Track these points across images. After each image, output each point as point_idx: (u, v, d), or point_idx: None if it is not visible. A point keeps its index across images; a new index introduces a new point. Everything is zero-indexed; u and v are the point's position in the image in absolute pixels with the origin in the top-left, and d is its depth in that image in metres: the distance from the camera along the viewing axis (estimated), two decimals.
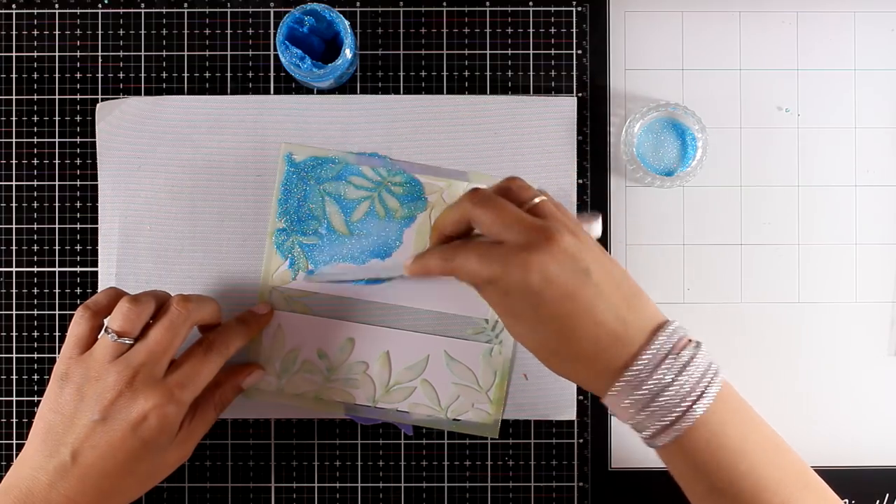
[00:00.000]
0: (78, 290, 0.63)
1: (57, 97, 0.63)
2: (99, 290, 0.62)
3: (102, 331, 0.55)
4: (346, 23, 0.58)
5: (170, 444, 0.55)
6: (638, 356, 0.49)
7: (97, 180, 0.63)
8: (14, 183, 0.63)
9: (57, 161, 0.63)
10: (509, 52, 0.63)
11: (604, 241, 0.62)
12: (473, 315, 0.62)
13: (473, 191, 0.52)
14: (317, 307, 0.62)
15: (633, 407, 0.49)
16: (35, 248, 0.63)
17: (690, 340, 0.50)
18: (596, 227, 0.54)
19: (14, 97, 0.63)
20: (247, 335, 0.59)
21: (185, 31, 0.63)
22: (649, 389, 0.48)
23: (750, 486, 0.48)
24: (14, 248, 0.63)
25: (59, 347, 0.62)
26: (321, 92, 0.63)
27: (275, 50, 0.63)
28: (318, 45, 0.61)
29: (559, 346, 0.50)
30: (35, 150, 0.63)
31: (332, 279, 0.62)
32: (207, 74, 0.63)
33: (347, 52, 0.58)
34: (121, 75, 0.63)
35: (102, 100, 0.63)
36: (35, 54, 0.63)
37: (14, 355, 0.63)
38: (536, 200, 0.51)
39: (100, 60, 0.63)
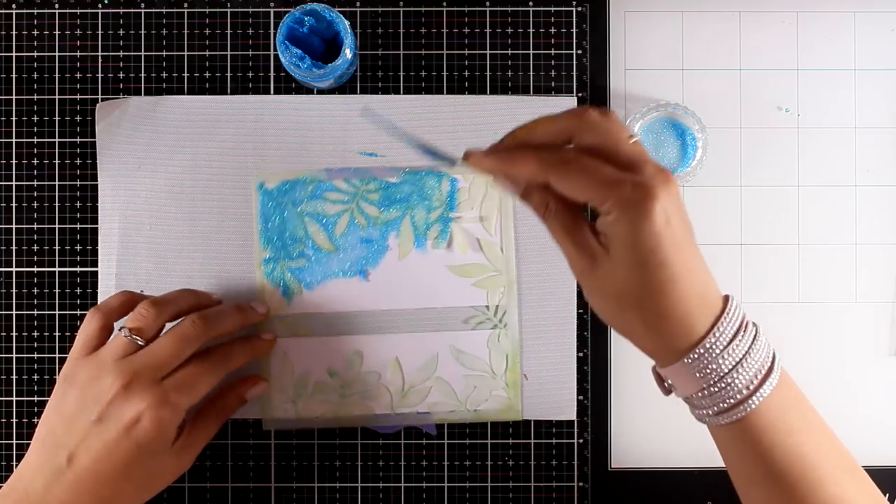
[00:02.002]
0: (78, 290, 0.63)
1: (57, 97, 0.63)
2: (99, 290, 0.62)
3: (116, 329, 0.55)
4: (346, 23, 0.58)
5: (166, 451, 0.54)
6: (717, 325, 0.46)
7: (97, 180, 0.63)
8: (14, 183, 0.63)
9: (57, 161, 0.63)
10: (509, 52, 0.63)
11: None
12: (473, 304, 0.62)
13: (581, 109, 0.47)
14: (319, 327, 0.62)
15: (705, 380, 0.46)
16: (35, 248, 0.63)
17: (750, 321, 0.48)
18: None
19: (14, 97, 0.63)
20: (250, 355, 0.60)
21: (185, 31, 0.63)
22: (723, 363, 0.46)
23: (809, 473, 0.47)
24: (14, 248, 0.63)
25: (59, 347, 0.62)
26: (321, 92, 0.63)
27: (275, 50, 0.63)
28: (318, 45, 0.61)
29: (652, 296, 0.46)
30: (35, 150, 0.63)
31: (387, 127, 0.60)
32: (207, 74, 0.63)
33: (347, 52, 0.58)
34: (121, 75, 0.63)
35: (102, 100, 0.63)
36: (35, 54, 0.63)
37: (14, 355, 0.63)
38: (635, 139, 0.46)
39: (100, 60, 0.63)
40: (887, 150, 0.63)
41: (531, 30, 0.63)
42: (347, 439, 0.63)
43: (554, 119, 0.47)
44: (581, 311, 0.63)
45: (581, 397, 0.63)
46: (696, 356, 0.46)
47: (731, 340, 0.46)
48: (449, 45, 0.63)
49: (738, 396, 0.46)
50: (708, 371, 0.46)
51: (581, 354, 0.63)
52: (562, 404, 0.63)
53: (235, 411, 0.60)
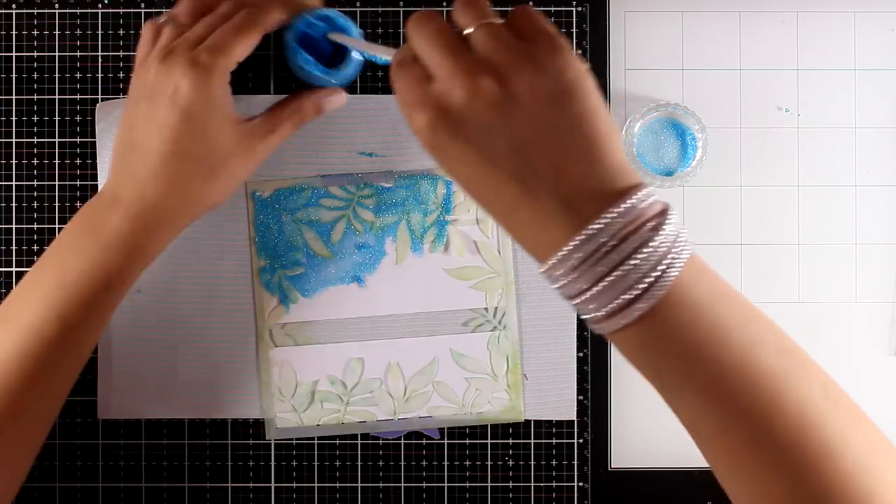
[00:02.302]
0: None
1: (57, 97, 0.63)
2: None
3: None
4: (360, 31, 0.58)
5: (219, 123, 0.53)
6: (622, 198, 0.41)
7: (97, 180, 0.63)
8: (14, 183, 0.63)
9: (57, 161, 0.63)
10: None
11: None
12: (472, 307, 0.62)
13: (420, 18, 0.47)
14: (319, 335, 0.62)
15: (588, 271, 0.41)
16: (35, 248, 0.63)
17: (664, 209, 0.42)
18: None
19: (14, 97, 0.63)
20: (287, 7, 0.56)
21: None
22: (610, 250, 0.40)
23: (745, 366, 0.41)
24: (14, 248, 0.63)
25: None
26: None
27: (275, 50, 0.63)
28: (327, 48, 0.60)
29: (537, 156, 0.41)
30: (35, 150, 0.63)
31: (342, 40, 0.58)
32: None
33: (356, 58, 0.58)
34: (121, 75, 0.63)
35: (102, 100, 0.63)
36: (35, 54, 0.63)
37: None
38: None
39: (100, 60, 0.63)
40: (887, 150, 0.63)
41: None
42: (347, 439, 0.63)
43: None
44: None
45: (581, 397, 0.63)
46: (591, 231, 0.41)
47: (632, 223, 0.40)
48: None
49: (643, 285, 0.40)
50: (590, 258, 0.40)
51: (581, 354, 0.63)
52: (562, 404, 0.63)
53: (311, 118, 0.58)
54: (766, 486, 0.41)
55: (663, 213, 0.42)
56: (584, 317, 0.43)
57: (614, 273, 0.40)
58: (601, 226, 0.41)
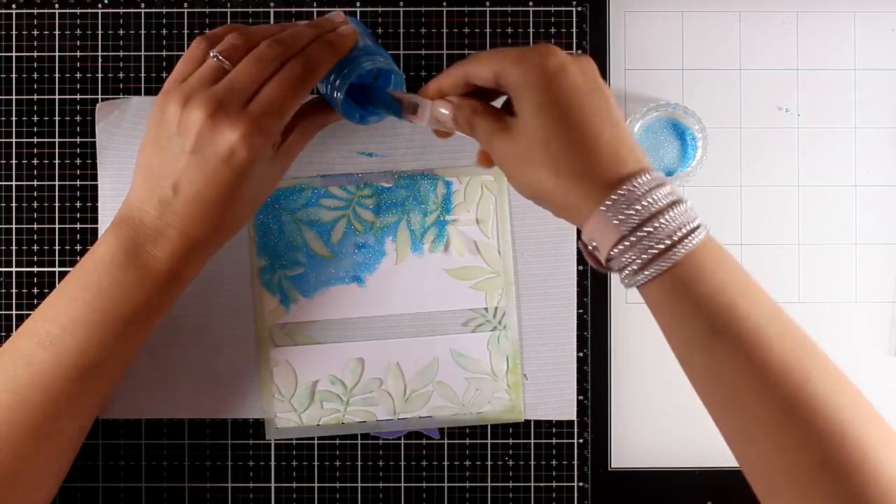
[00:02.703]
0: None
1: (57, 97, 0.63)
2: None
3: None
4: (402, 77, 0.56)
5: (266, 166, 0.54)
6: (637, 174, 0.47)
7: (97, 180, 0.63)
8: (14, 183, 0.63)
9: (57, 161, 0.63)
10: None
11: None
12: (472, 306, 0.62)
13: (465, 60, 0.52)
14: (319, 335, 0.62)
15: (625, 225, 0.46)
16: (35, 248, 0.63)
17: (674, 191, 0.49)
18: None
19: (14, 97, 0.63)
20: (333, 55, 0.55)
21: (185, 31, 0.63)
22: (639, 211, 0.46)
23: (752, 330, 0.46)
24: (14, 248, 0.63)
25: None
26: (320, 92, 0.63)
27: None
28: (366, 79, 0.57)
29: (560, 136, 0.48)
30: (35, 150, 0.63)
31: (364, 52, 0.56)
32: None
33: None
34: (121, 75, 0.63)
35: (102, 100, 0.63)
36: (35, 54, 0.63)
37: None
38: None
39: (100, 60, 0.63)
40: (887, 150, 0.63)
41: (531, 30, 0.63)
42: (347, 439, 0.63)
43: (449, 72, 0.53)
44: (581, 311, 0.63)
45: (581, 397, 0.63)
46: (613, 199, 0.47)
47: (653, 190, 0.47)
48: (449, 45, 0.63)
49: (664, 245, 0.46)
50: (628, 214, 0.46)
51: (581, 354, 0.63)
52: (562, 404, 0.63)
53: (336, 119, 0.58)
54: (771, 429, 0.45)
55: (677, 200, 0.48)
56: (618, 271, 0.48)
57: (644, 228, 0.46)
58: (632, 187, 0.47)
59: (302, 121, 0.56)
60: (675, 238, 0.46)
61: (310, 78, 0.53)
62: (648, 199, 0.46)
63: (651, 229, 0.46)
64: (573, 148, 0.48)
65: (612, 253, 0.47)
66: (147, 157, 0.53)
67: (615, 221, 0.46)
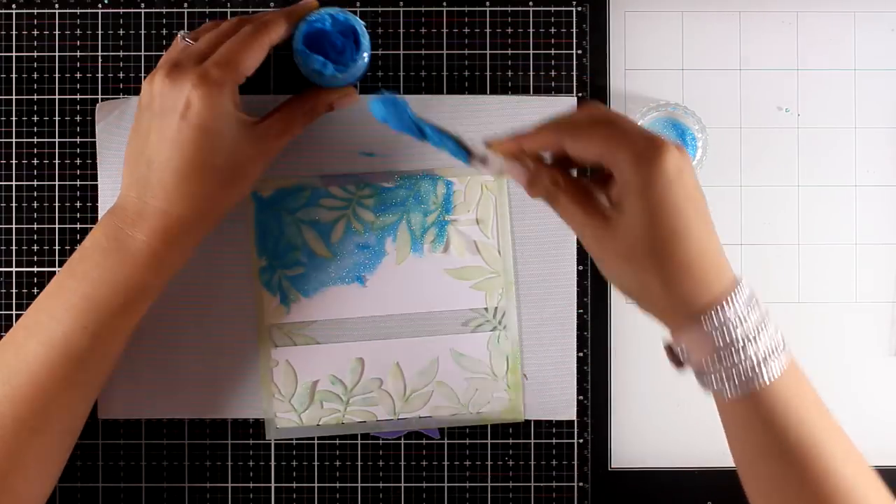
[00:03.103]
0: None
1: (57, 97, 0.63)
2: None
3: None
4: (362, 23, 0.58)
5: (235, 131, 0.54)
6: (736, 289, 0.47)
7: (97, 180, 0.63)
8: (14, 183, 0.63)
9: (57, 161, 0.63)
10: (509, 52, 0.63)
11: None
12: (472, 306, 0.62)
13: (568, 120, 0.49)
14: (319, 335, 0.62)
15: (722, 341, 0.47)
16: (35, 248, 0.63)
17: (759, 299, 0.49)
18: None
19: (14, 97, 0.63)
20: (291, 17, 0.57)
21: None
22: (741, 328, 0.47)
23: (821, 452, 0.47)
24: (14, 248, 0.63)
25: None
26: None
27: (274, 50, 0.63)
28: (337, 43, 0.60)
29: (667, 244, 0.47)
30: (35, 150, 0.63)
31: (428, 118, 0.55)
32: None
33: (365, 56, 0.58)
34: (121, 75, 0.63)
35: (102, 100, 0.63)
36: (35, 54, 0.63)
37: None
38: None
39: (100, 60, 0.63)
40: (887, 150, 0.63)
41: (531, 30, 0.63)
42: (347, 439, 0.63)
43: (553, 123, 0.50)
44: (581, 311, 0.63)
45: (581, 397, 0.63)
46: (713, 314, 0.47)
47: (748, 308, 0.47)
48: (449, 45, 0.63)
49: (754, 367, 0.46)
50: (725, 332, 0.46)
51: (581, 354, 0.63)
52: (562, 404, 0.63)
53: (321, 115, 0.59)
54: None
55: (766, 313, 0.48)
56: (698, 377, 0.49)
57: (736, 346, 0.47)
58: (722, 308, 0.47)
59: (286, 105, 0.57)
60: (763, 361, 0.47)
61: (261, 33, 0.55)
62: (745, 319, 0.47)
63: (741, 350, 0.47)
64: (684, 259, 0.47)
65: (702, 363, 0.48)
66: (130, 147, 0.55)
67: (715, 335, 0.47)
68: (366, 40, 0.58)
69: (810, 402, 0.48)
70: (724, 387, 0.47)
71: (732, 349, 0.46)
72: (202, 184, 0.53)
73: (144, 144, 0.53)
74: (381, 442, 0.63)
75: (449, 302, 0.62)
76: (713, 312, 0.47)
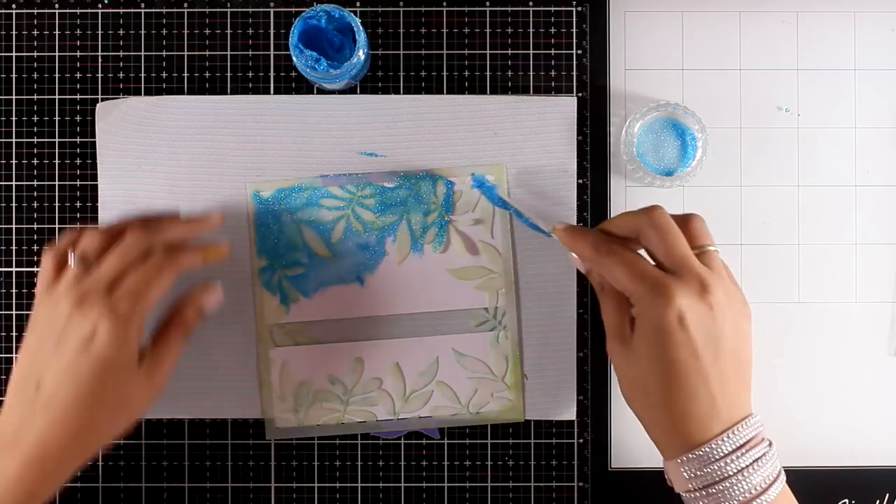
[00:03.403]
0: None
1: (57, 97, 0.63)
2: None
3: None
4: (357, 20, 0.58)
5: (133, 369, 0.53)
6: (718, 437, 0.49)
7: (97, 180, 0.63)
8: (14, 183, 0.63)
9: (57, 161, 0.63)
10: (509, 52, 0.63)
11: None
12: (472, 307, 0.62)
13: (653, 208, 0.52)
14: (318, 335, 0.62)
15: (693, 482, 0.50)
16: (35, 248, 0.63)
17: (764, 439, 0.51)
18: None
19: (14, 97, 0.63)
20: (198, 258, 0.57)
21: (185, 31, 0.63)
22: (714, 471, 0.49)
23: None
24: (14, 248, 0.63)
25: None
26: (321, 91, 0.63)
27: (275, 50, 0.63)
28: (334, 39, 0.60)
29: (657, 390, 0.50)
30: (35, 150, 0.63)
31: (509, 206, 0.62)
32: (207, 74, 0.63)
33: (361, 54, 0.58)
34: (121, 75, 0.63)
35: (102, 100, 0.63)
36: (35, 54, 0.63)
37: (14, 355, 0.63)
38: (709, 249, 0.52)
39: (100, 60, 0.63)
40: (887, 150, 0.63)
41: (531, 30, 0.63)
42: (347, 439, 0.63)
43: (628, 215, 0.54)
44: (581, 311, 0.63)
45: (581, 397, 0.63)
46: (687, 459, 0.50)
47: (729, 455, 0.49)
48: (449, 45, 0.63)
49: (737, 502, 0.49)
50: (700, 474, 0.49)
51: (581, 354, 0.63)
52: (562, 404, 0.63)
53: (198, 324, 0.58)
54: None
55: (769, 445, 0.51)
56: None
57: (718, 486, 0.49)
58: (710, 449, 0.49)
59: (163, 332, 0.57)
60: (748, 497, 0.49)
61: (173, 269, 0.55)
62: (727, 461, 0.49)
63: (723, 488, 0.49)
64: (667, 407, 0.50)
65: (683, 496, 0.51)
66: (19, 366, 0.53)
67: (685, 476, 0.50)
68: (361, 38, 0.58)
69: None
70: None
71: (711, 489, 0.49)
72: (90, 417, 0.52)
73: (35, 366, 0.52)
74: (381, 442, 0.63)
75: (449, 302, 0.62)
76: (691, 455, 0.49)
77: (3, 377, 0.63)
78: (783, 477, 0.50)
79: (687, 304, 0.49)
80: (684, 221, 0.53)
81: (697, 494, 0.50)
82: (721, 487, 0.49)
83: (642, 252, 0.54)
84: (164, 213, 0.59)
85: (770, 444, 0.51)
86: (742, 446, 0.49)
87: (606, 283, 0.54)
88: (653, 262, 0.52)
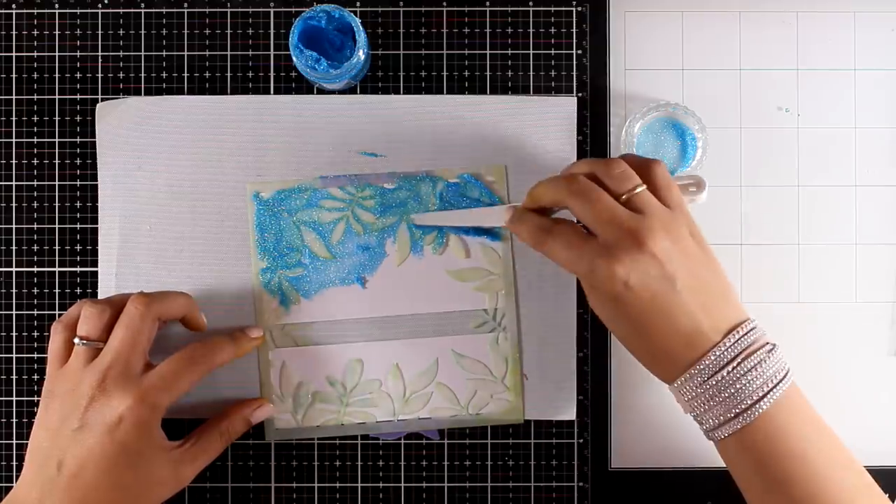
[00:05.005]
0: (78, 291, 0.63)
1: (57, 97, 0.63)
2: (99, 289, 0.62)
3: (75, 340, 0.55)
4: (357, 20, 0.58)
5: (157, 456, 0.54)
6: (704, 356, 0.50)
7: (97, 180, 0.63)
8: (14, 183, 0.63)
9: (57, 161, 0.63)
10: (509, 52, 0.63)
11: None
12: (472, 308, 0.62)
13: (571, 176, 0.52)
14: (318, 336, 0.62)
15: (696, 400, 0.51)
16: (35, 248, 0.63)
17: (767, 343, 0.51)
18: (702, 196, 0.56)
19: (14, 97, 0.63)
20: (234, 353, 0.59)
21: (185, 31, 0.63)
22: (713, 385, 0.50)
23: (808, 487, 0.49)
24: (14, 248, 0.63)
25: None
26: (321, 91, 0.63)
27: (275, 50, 0.63)
28: (334, 39, 0.60)
29: (634, 342, 0.52)
30: (35, 150, 0.63)
31: (435, 223, 0.62)
32: (207, 74, 0.63)
33: (361, 54, 0.58)
34: (121, 75, 0.63)
35: (102, 100, 0.63)
36: (35, 54, 0.63)
37: (14, 355, 0.63)
38: (637, 191, 0.52)
39: (100, 60, 0.63)
40: (887, 150, 0.63)
41: (531, 30, 0.63)
42: (347, 439, 0.63)
43: (549, 185, 0.53)
44: (581, 310, 0.63)
45: (581, 397, 0.63)
46: (681, 381, 0.51)
47: (723, 367, 0.50)
48: (449, 45, 0.63)
49: (730, 414, 0.50)
50: (696, 393, 0.50)
51: (581, 354, 0.63)
52: (562, 404, 0.63)
53: (241, 434, 0.60)
54: None
55: (771, 349, 0.51)
56: (700, 426, 0.52)
57: (722, 394, 0.50)
58: (715, 357, 0.50)
59: (203, 429, 0.58)
60: (753, 399, 0.50)
61: (208, 365, 0.56)
62: (720, 375, 0.50)
63: (726, 396, 0.50)
64: (648, 351, 0.52)
65: (691, 415, 0.52)
66: (37, 441, 0.54)
67: (686, 398, 0.51)
68: (361, 38, 0.58)
69: (799, 433, 0.50)
70: (713, 430, 0.51)
71: (716, 397, 0.50)
72: (111, 500, 0.53)
73: (57, 445, 0.53)
74: (380, 442, 0.63)
75: (449, 303, 0.62)
76: (683, 379, 0.51)
77: (3, 377, 0.63)
78: (790, 376, 0.51)
79: (627, 267, 0.50)
80: (604, 173, 0.52)
81: (703, 409, 0.51)
82: (723, 397, 0.50)
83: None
84: (168, 292, 0.59)
85: (772, 349, 0.51)
86: (736, 357, 0.50)
87: (552, 226, 0.54)
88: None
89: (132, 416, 0.53)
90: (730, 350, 0.50)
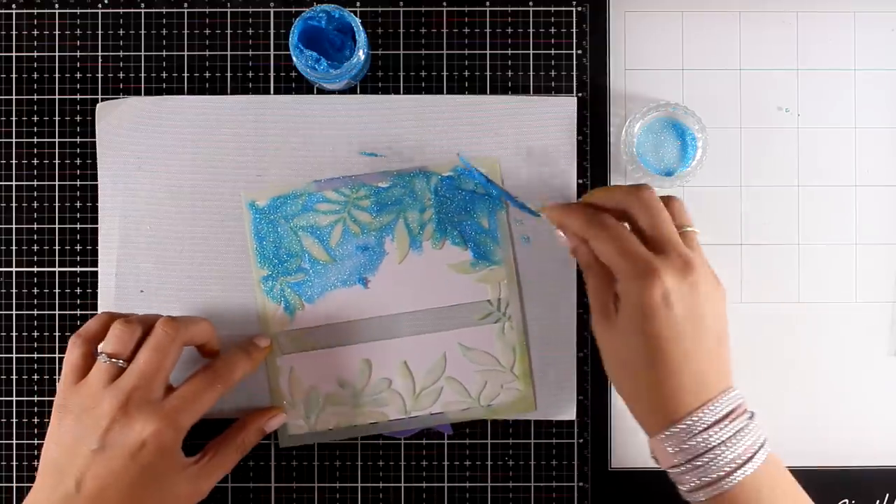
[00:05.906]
0: (78, 290, 0.63)
1: (57, 97, 0.63)
2: (99, 290, 0.62)
3: (98, 356, 0.55)
4: (357, 20, 0.58)
5: (176, 473, 0.54)
6: (699, 410, 0.50)
7: (97, 180, 0.63)
8: (14, 183, 0.63)
9: (57, 161, 0.63)
10: (509, 52, 0.63)
11: None
12: (475, 300, 0.62)
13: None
14: (324, 340, 0.62)
15: (678, 456, 0.50)
16: (35, 248, 0.63)
17: (746, 410, 0.51)
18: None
19: (14, 97, 0.63)
20: (250, 365, 0.59)
21: (185, 31, 0.63)
22: (698, 444, 0.49)
23: None
24: (14, 248, 0.63)
25: (59, 347, 0.62)
26: (321, 92, 0.63)
27: (275, 50, 0.63)
28: (334, 39, 0.60)
29: (642, 367, 0.51)
30: (35, 150, 0.63)
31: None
32: (207, 74, 0.63)
33: (361, 54, 0.58)
34: (121, 75, 0.63)
35: (102, 100, 0.63)
36: (35, 54, 0.63)
37: (14, 355, 0.63)
38: (689, 230, 0.54)
39: (100, 60, 0.63)
40: (887, 150, 0.63)
41: (531, 30, 0.63)
42: (347, 439, 0.63)
43: (616, 189, 0.54)
44: (581, 310, 0.63)
45: (581, 397, 0.63)
46: (670, 433, 0.50)
47: (711, 427, 0.49)
48: (449, 45, 0.63)
49: (710, 478, 0.49)
50: (688, 445, 0.50)
51: (581, 354, 0.63)
52: (562, 404, 0.63)
53: (257, 442, 0.60)
54: None
55: (749, 417, 0.51)
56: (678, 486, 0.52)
57: (702, 458, 0.49)
58: (692, 422, 0.50)
59: (219, 443, 0.58)
60: (733, 466, 0.49)
61: (227, 383, 0.57)
62: (709, 433, 0.49)
63: (708, 460, 0.49)
64: (651, 384, 0.51)
65: (669, 472, 0.52)
66: (50, 456, 0.54)
67: (670, 451, 0.50)
68: (361, 38, 0.58)
69: (785, 493, 0.51)
70: (692, 492, 0.51)
71: (695, 461, 0.50)
72: None
73: (75, 463, 0.53)
74: (381, 442, 0.63)
75: (452, 296, 0.62)
76: (670, 432, 0.50)
77: (3, 377, 0.63)
78: (767, 446, 0.51)
79: (671, 284, 0.50)
80: (666, 203, 0.54)
81: (683, 468, 0.50)
82: (706, 459, 0.49)
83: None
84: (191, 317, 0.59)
85: (752, 416, 0.51)
86: (724, 418, 0.50)
87: (594, 261, 0.54)
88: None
89: (155, 440, 0.53)
90: (720, 408, 0.50)
